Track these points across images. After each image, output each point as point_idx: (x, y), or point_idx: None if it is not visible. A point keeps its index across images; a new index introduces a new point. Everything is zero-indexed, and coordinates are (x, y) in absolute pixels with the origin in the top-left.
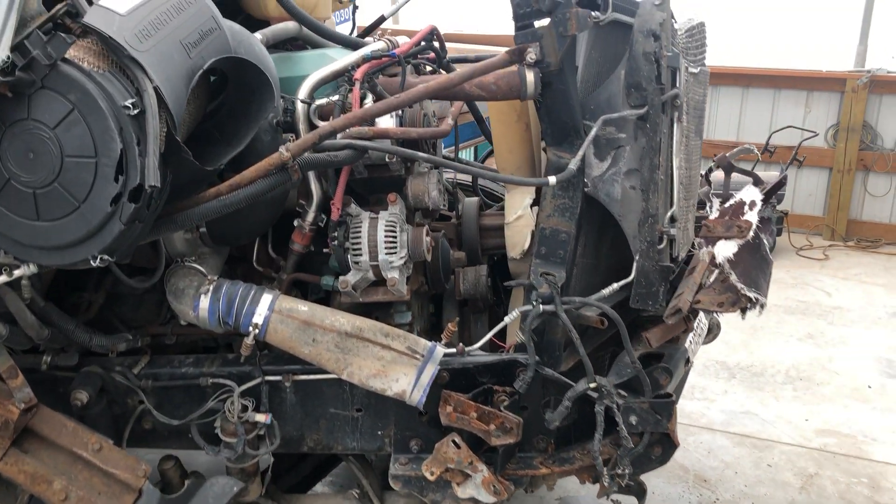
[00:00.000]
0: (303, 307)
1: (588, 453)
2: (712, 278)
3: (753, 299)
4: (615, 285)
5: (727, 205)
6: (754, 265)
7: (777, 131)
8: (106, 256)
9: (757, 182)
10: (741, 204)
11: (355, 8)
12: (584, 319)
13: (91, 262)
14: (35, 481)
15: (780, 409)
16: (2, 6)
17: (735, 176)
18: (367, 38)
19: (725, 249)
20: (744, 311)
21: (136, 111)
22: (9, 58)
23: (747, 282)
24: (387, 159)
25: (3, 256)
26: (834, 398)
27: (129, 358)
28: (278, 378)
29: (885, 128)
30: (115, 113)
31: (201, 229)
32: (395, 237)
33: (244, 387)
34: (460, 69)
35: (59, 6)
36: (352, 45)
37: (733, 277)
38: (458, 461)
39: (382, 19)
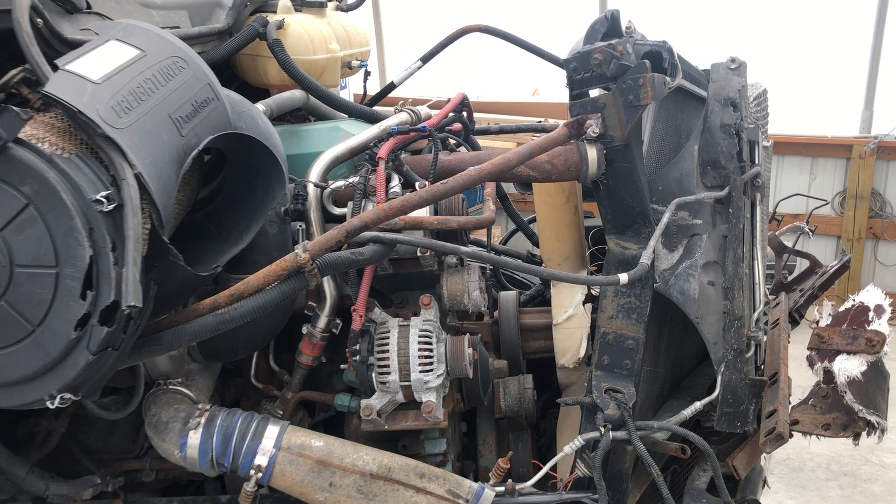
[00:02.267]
0: (317, 442)
1: None
2: (809, 392)
3: (874, 423)
4: (698, 404)
5: (842, 309)
6: (870, 380)
7: (784, 199)
8: (68, 395)
9: (816, 265)
10: (863, 309)
11: (367, 74)
12: (660, 447)
13: (48, 402)
14: None
15: None
16: None
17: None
18: (385, 109)
19: (849, 366)
20: (857, 436)
21: (111, 206)
22: None
23: (864, 401)
24: (419, 253)
25: None
26: (887, 497)
27: (102, 501)
28: None
29: (894, 195)
30: (83, 209)
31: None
32: (432, 350)
33: None
34: (514, 151)
35: (12, 72)
36: (367, 116)
37: (849, 397)
38: None
39: (392, 87)
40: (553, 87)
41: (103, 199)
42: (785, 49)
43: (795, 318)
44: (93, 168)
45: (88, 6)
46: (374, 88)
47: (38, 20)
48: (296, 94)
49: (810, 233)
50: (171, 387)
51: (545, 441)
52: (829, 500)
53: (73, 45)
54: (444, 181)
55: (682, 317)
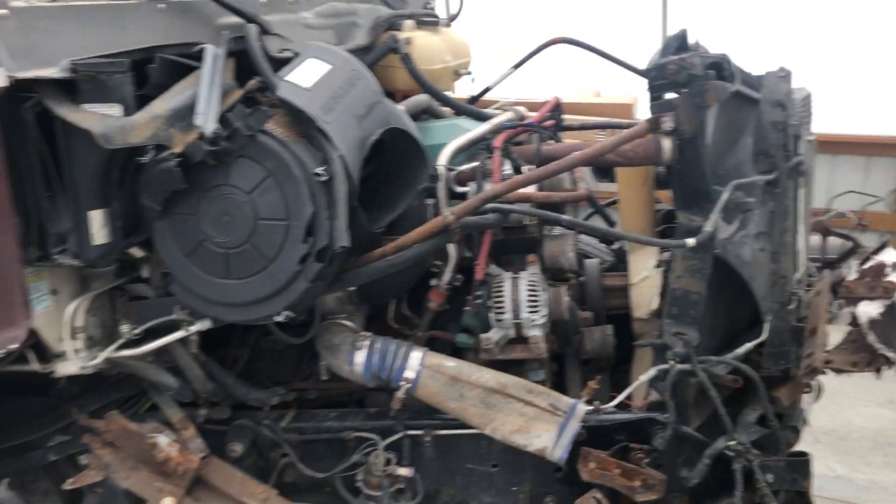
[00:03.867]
0: (450, 363)
1: None
2: (842, 338)
3: (892, 359)
4: (749, 345)
5: (866, 266)
6: (891, 325)
7: (838, 196)
8: (289, 312)
9: (857, 246)
10: (881, 266)
11: (472, 81)
12: (717, 378)
13: (275, 317)
14: None
15: (873, 475)
16: (204, 83)
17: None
18: (492, 110)
19: (869, 309)
20: (878, 370)
21: (325, 177)
22: (219, 129)
23: (884, 340)
24: (527, 222)
25: (178, 313)
26: None
27: (275, 412)
28: (420, 432)
29: None
30: (306, 179)
31: (350, 289)
32: (538, 296)
33: (388, 440)
34: (608, 140)
35: (251, 82)
36: (476, 115)
37: (871, 337)
38: None
39: (487, 90)
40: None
41: (321, 172)
42: (840, 52)
43: (836, 290)
44: (310, 151)
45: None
46: (463, 89)
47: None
48: (422, 98)
49: (854, 219)
50: (339, 321)
51: (621, 380)
52: (874, 465)
53: (278, 60)
54: (553, 163)
55: (736, 285)
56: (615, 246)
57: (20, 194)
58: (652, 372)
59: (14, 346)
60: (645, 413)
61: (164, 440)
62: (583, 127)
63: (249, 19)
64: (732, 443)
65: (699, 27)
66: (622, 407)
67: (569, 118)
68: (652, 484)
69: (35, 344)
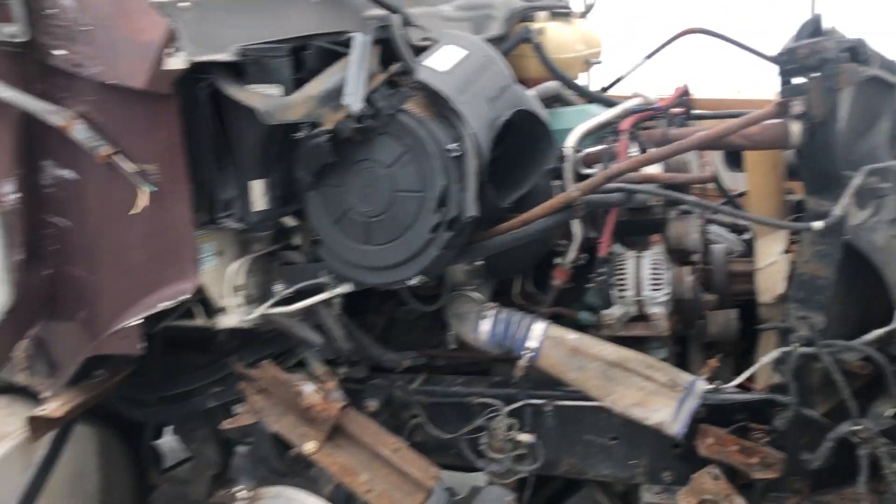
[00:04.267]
0: (571, 335)
1: (845, 498)
2: None
3: None
4: (879, 331)
5: None
6: None
7: None
8: (421, 277)
9: None
10: None
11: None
12: (845, 364)
13: (408, 282)
14: (345, 472)
15: None
16: (352, 67)
17: None
18: (620, 97)
19: None
20: None
21: (457, 153)
22: (364, 108)
23: None
24: (651, 202)
25: (324, 276)
26: None
27: (406, 376)
28: (542, 402)
29: None
30: (440, 155)
31: (478, 263)
32: (661, 274)
33: (510, 407)
34: (732, 121)
35: (393, 66)
36: (604, 101)
37: None
38: (716, 493)
39: (619, 80)
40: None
41: (454, 148)
42: None
43: None
44: (444, 129)
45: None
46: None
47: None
48: (552, 85)
49: None
50: (467, 292)
51: (744, 365)
52: None
53: (418, 48)
54: (677, 142)
55: (873, 275)
56: (745, 236)
57: (193, 165)
58: (775, 354)
59: (185, 297)
60: (766, 394)
61: (309, 388)
62: (714, 115)
63: (393, 10)
64: (859, 428)
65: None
66: (743, 389)
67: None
68: (770, 462)
69: (201, 300)
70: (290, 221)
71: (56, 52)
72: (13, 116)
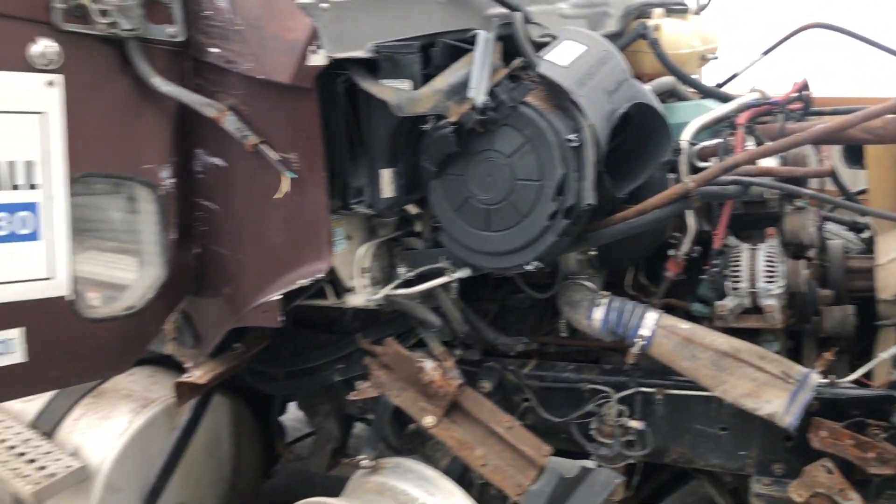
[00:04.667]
0: (684, 325)
1: None
2: None
3: None
4: None
5: None
6: None
7: None
8: (537, 263)
9: None
10: None
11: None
12: None
13: (525, 267)
14: (461, 446)
15: None
16: (477, 63)
17: None
18: (736, 92)
19: None
20: None
21: (576, 144)
22: (488, 101)
23: None
24: (767, 196)
25: (443, 261)
26: None
27: (518, 361)
28: (652, 390)
29: None
30: (559, 145)
31: (591, 253)
32: (775, 267)
33: (621, 394)
34: (853, 114)
35: (516, 60)
36: (720, 97)
37: None
38: (830, 486)
39: (735, 76)
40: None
41: (573, 139)
42: None
43: None
44: (564, 120)
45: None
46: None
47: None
48: (668, 80)
49: None
50: (580, 281)
51: (861, 362)
52: None
53: (538, 44)
54: (795, 135)
55: None
56: (863, 234)
57: (329, 154)
58: (893, 350)
59: (320, 275)
60: (884, 390)
61: (429, 365)
62: (835, 112)
63: (514, 9)
64: None
65: None
66: (860, 385)
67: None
68: (888, 458)
69: (331, 280)
70: (412, 209)
71: (211, 50)
72: (171, 109)
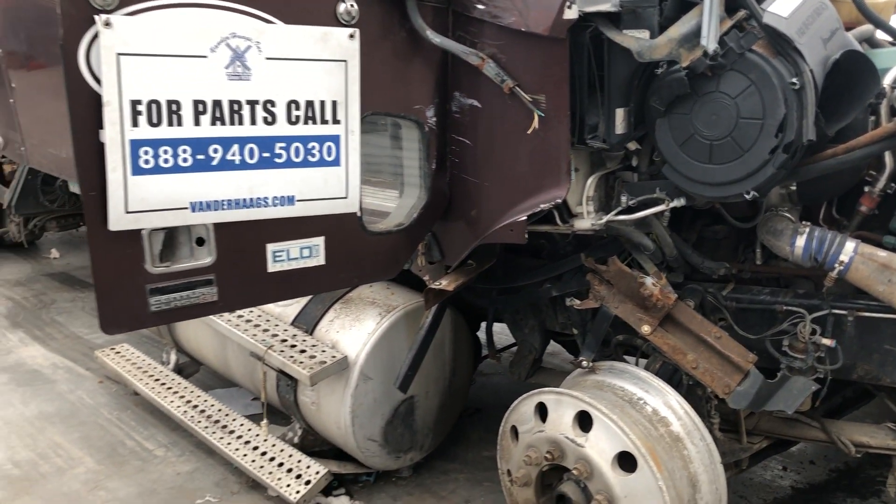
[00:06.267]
0: (881, 253)
1: None
2: None
3: None
4: None
5: None
6: None
7: None
8: (755, 193)
9: None
10: None
11: None
12: None
13: (745, 195)
14: (675, 351)
15: None
16: (706, 14)
17: None
18: None
19: None
20: None
21: (798, 87)
22: (718, 48)
23: None
24: None
25: (659, 192)
26: None
27: (716, 284)
28: (843, 312)
29: None
30: (782, 87)
31: (792, 188)
32: None
33: (814, 315)
34: None
35: (740, 12)
36: None
37: None
38: None
39: None
40: None
41: (795, 82)
42: None
43: None
44: (785, 65)
45: None
46: None
47: None
48: (867, 28)
49: None
50: (781, 213)
51: None
52: None
53: None
54: None
55: None
56: None
57: (571, 95)
58: None
59: (558, 200)
60: None
61: (649, 280)
62: None
63: None
64: None
65: None
66: None
67: None
68: None
69: (558, 206)
70: (631, 145)
71: (478, 6)
72: (436, 57)
